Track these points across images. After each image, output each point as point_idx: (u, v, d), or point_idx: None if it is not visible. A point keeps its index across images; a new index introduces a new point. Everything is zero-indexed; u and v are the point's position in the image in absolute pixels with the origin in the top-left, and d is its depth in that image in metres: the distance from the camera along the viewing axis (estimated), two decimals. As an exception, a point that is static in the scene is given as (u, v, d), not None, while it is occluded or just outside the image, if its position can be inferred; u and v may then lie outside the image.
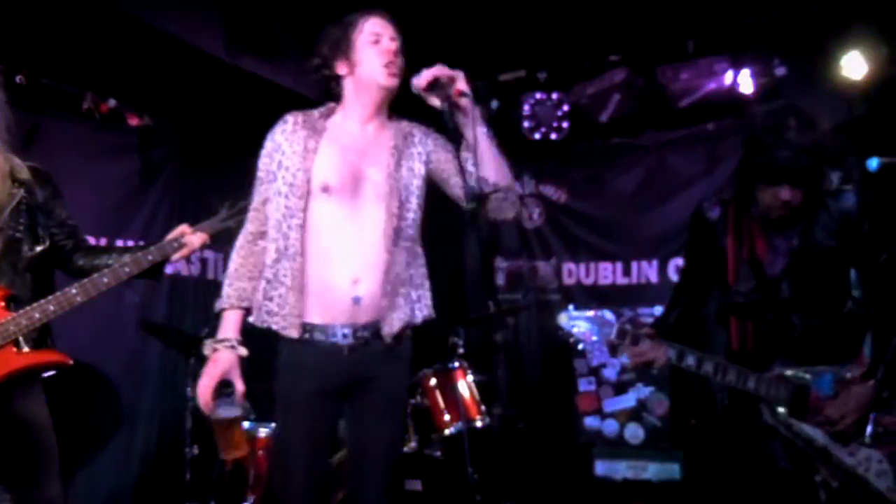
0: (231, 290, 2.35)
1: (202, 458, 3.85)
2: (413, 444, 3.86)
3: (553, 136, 5.05)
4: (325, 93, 2.45)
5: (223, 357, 2.30)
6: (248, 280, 2.35)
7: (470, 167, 2.24)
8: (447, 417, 3.90)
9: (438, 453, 3.89)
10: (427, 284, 2.44)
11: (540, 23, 4.57)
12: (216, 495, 3.79)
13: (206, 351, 2.33)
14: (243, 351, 2.33)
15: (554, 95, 5.04)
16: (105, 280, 2.55)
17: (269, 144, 2.39)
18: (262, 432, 3.75)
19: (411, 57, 2.40)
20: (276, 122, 2.40)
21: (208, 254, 4.80)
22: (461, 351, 4.17)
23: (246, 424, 3.73)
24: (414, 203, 2.38)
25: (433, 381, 3.97)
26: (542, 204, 5.62)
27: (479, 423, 3.95)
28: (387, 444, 2.37)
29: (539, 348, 5.44)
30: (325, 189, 2.29)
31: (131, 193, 4.40)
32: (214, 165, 4.68)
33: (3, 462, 2.49)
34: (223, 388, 2.34)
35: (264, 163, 2.39)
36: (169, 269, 3.19)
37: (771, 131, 2.46)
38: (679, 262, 4.90)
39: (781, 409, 2.51)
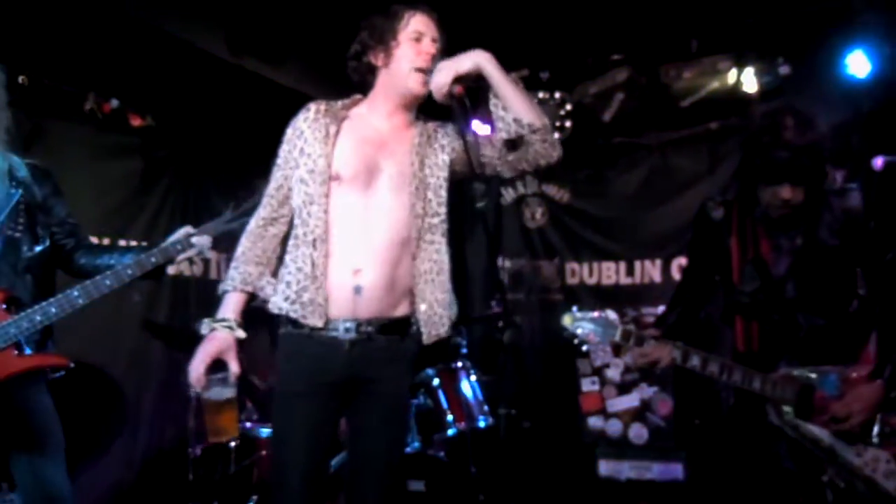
0: (236, 273, 2.33)
1: (205, 459, 3.84)
2: (416, 445, 3.85)
3: (556, 135, 5.03)
4: (355, 84, 2.41)
5: (219, 336, 2.27)
6: (254, 265, 2.33)
7: (500, 112, 2.25)
8: (450, 417, 3.89)
9: (442, 453, 3.88)
10: (449, 286, 2.35)
11: (542, 22, 4.56)
12: (219, 496, 3.78)
13: (203, 330, 2.29)
14: (241, 333, 2.29)
15: (557, 95, 5.02)
16: (107, 282, 2.54)
17: (290, 131, 2.36)
18: (266, 433, 3.74)
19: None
20: (299, 111, 2.37)
21: (211, 254, 4.78)
22: (464, 351, 4.17)
23: (248, 425, 3.72)
24: (440, 198, 2.33)
25: (436, 381, 3.96)
26: (545, 203, 5.59)
27: (482, 424, 3.94)
28: (388, 455, 2.31)
29: (542, 348, 5.42)
30: (336, 178, 2.26)
31: (134, 194, 4.38)
32: (217, 166, 4.67)
33: (10, 458, 2.48)
34: (216, 370, 2.30)
35: (284, 149, 2.36)
36: (171, 270, 3.18)
37: (769, 131, 2.46)
38: (682, 261, 4.88)
39: (787, 410, 2.50)
